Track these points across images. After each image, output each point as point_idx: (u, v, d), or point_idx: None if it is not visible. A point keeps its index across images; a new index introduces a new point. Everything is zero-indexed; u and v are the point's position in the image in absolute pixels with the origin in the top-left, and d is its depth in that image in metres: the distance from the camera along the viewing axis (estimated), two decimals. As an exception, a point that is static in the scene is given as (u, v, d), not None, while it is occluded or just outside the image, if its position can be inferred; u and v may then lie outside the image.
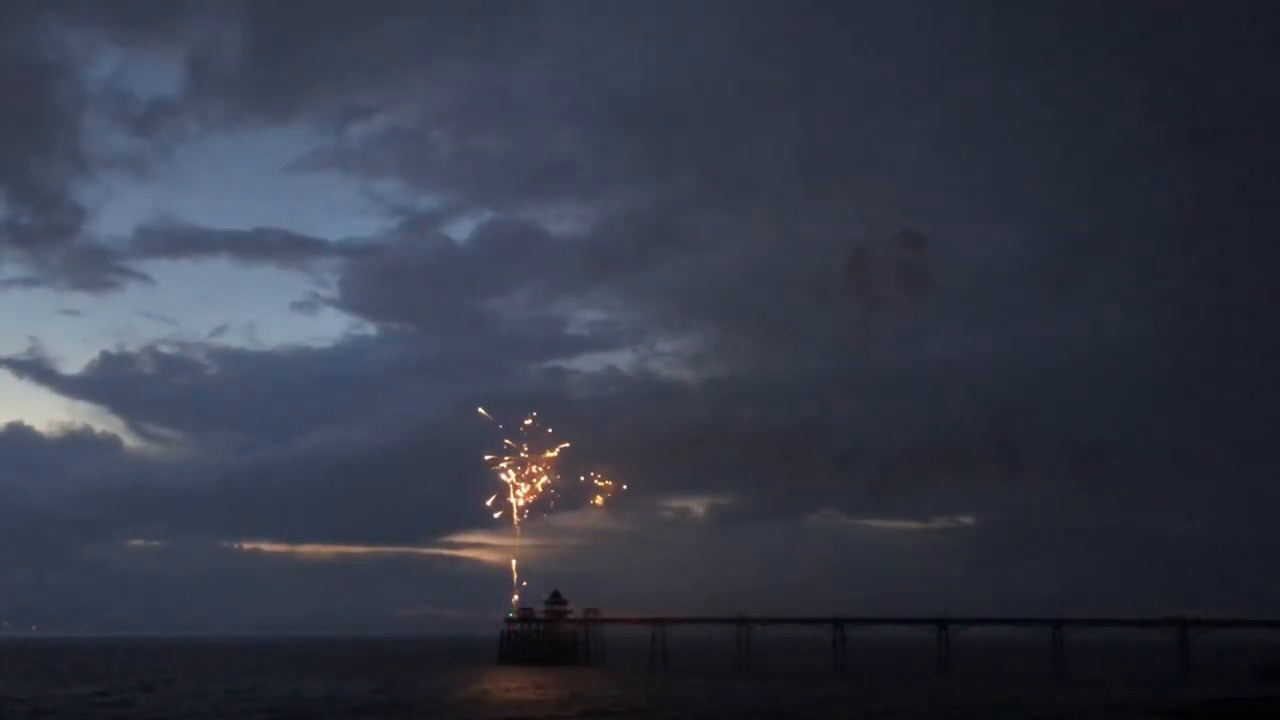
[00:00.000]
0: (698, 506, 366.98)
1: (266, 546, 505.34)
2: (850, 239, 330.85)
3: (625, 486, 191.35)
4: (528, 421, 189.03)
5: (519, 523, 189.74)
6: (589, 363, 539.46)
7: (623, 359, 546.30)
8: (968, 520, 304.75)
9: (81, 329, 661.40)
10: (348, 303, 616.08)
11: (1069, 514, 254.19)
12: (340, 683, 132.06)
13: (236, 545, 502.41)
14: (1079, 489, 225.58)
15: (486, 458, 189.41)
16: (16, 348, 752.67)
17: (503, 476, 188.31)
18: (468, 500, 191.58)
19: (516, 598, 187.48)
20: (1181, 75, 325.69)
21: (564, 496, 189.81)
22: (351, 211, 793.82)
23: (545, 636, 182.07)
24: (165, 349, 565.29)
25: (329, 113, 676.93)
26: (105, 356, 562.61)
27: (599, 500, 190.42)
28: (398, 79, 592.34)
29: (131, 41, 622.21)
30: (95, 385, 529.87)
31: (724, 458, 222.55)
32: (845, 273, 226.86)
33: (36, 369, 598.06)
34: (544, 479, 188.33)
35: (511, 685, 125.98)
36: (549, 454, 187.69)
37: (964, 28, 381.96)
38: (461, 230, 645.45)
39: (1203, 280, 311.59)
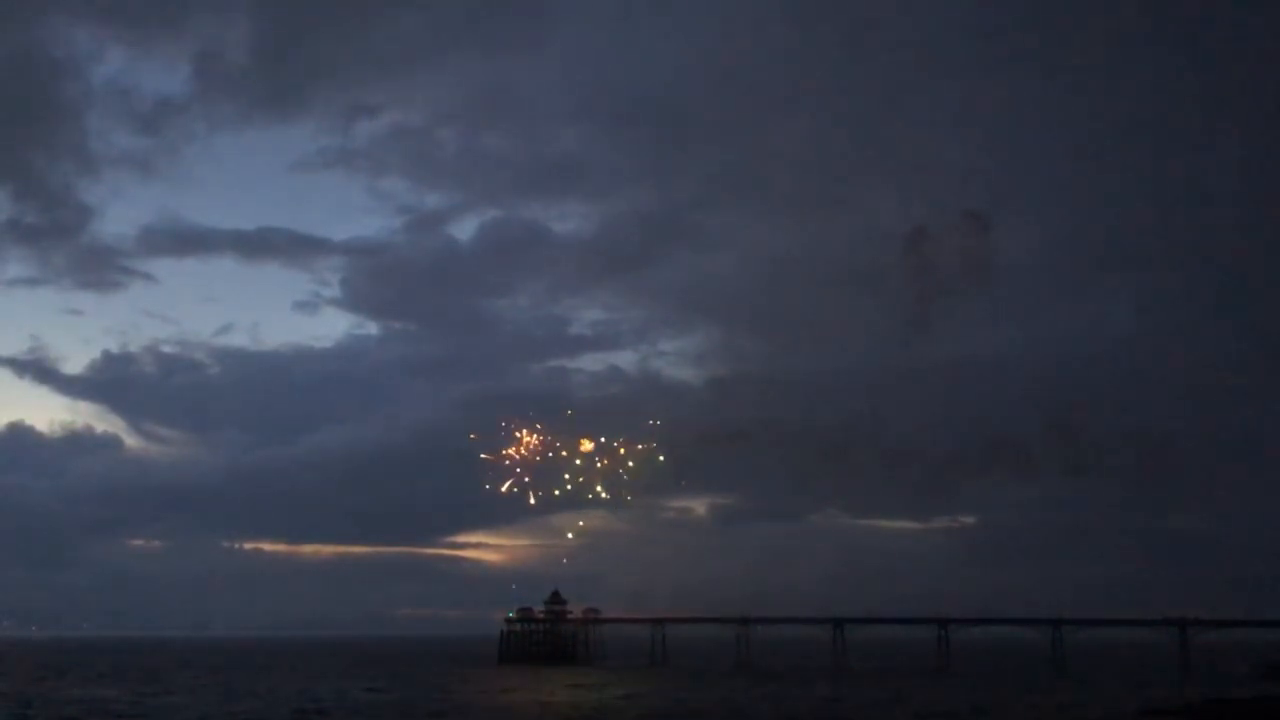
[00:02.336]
0: (699, 506, 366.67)
1: (268, 546, 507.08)
2: (879, 232, 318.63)
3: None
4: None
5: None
6: (592, 362, 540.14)
7: (625, 358, 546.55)
8: (969, 520, 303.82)
9: (84, 328, 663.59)
10: (349, 302, 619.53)
11: (1127, 514, 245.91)
12: (361, 684, 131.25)
13: (237, 545, 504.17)
14: (1141, 488, 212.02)
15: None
16: (18, 347, 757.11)
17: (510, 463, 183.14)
18: (469, 500, 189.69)
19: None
20: (1255, 50, 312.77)
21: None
22: (357, 210, 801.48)
23: (545, 636, 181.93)
24: (167, 348, 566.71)
25: (335, 111, 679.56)
26: (107, 356, 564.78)
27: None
28: (405, 77, 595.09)
29: (138, 40, 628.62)
30: (96, 385, 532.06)
31: (765, 454, 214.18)
32: (902, 257, 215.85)
33: (38, 368, 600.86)
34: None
35: (544, 686, 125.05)
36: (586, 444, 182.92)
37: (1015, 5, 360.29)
38: (466, 229, 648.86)
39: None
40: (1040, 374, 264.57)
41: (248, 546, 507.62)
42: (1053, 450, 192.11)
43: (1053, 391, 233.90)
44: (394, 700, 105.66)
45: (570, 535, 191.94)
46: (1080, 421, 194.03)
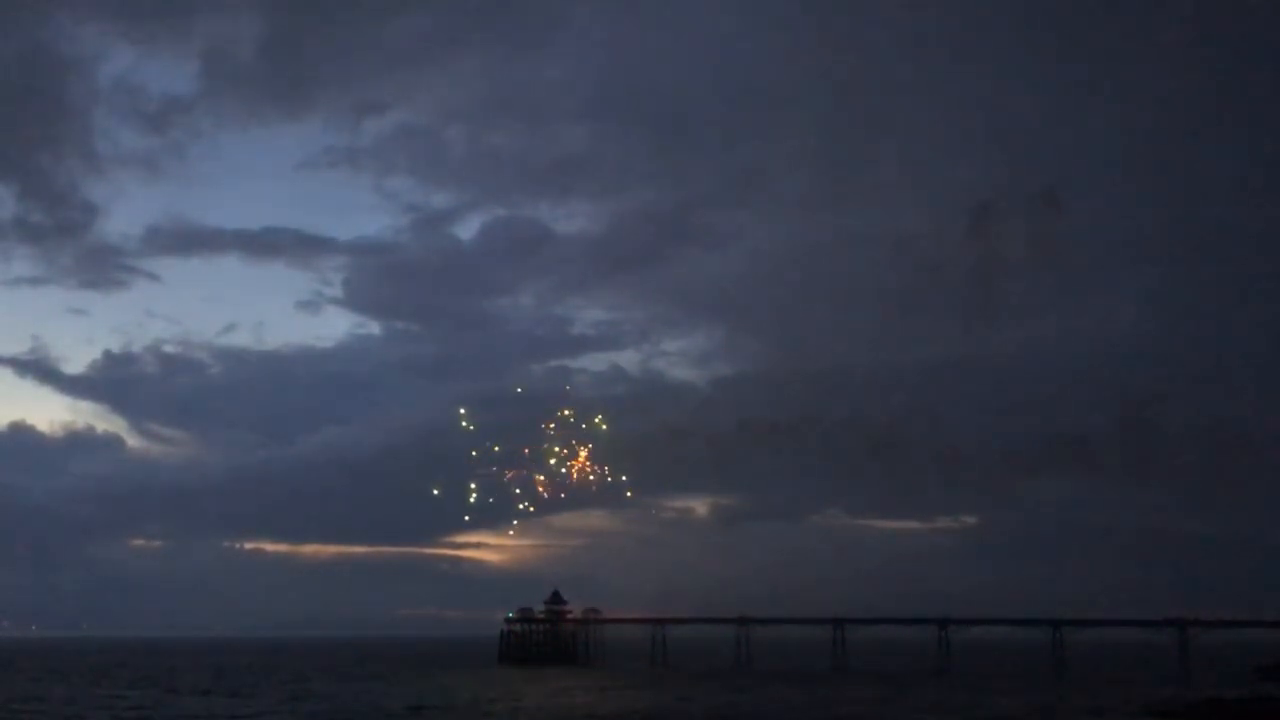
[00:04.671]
0: (700, 506, 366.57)
1: (268, 546, 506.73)
2: (891, 230, 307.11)
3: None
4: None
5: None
6: (594, 362, 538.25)
7: (627, 358, 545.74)
8: (971, 520, 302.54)
9: (87, 328, 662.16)
10: (352, 302, 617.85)
11: (1129, 514, 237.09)
12: (384, 686, 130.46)
13: (238, 545, 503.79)
14: (1211, 488, 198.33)
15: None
16: (19, 347, 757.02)
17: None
18: (470, 501, 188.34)
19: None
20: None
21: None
22: (363, 209, 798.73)
23: (545, 636, 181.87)
24: (168, 348, 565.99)
25: (343, 109, 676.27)
26: (108, 356, 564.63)
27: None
28: (412, 75, 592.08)
29: (145, 38, 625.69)
30: (98, 385, 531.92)
31: (809, 450, 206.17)
32: (965, 240, 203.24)
33: (39, 368, 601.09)
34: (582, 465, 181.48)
35: (570, 688, 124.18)
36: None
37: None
38: (471, 228, 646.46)
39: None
40: (1108, 367, 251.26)
41: (248, 546, 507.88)
42: (1120, 448, 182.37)
43: (1123, 385, 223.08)
44: (447, 704, 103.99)
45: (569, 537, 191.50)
46: (1153, 417, 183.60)
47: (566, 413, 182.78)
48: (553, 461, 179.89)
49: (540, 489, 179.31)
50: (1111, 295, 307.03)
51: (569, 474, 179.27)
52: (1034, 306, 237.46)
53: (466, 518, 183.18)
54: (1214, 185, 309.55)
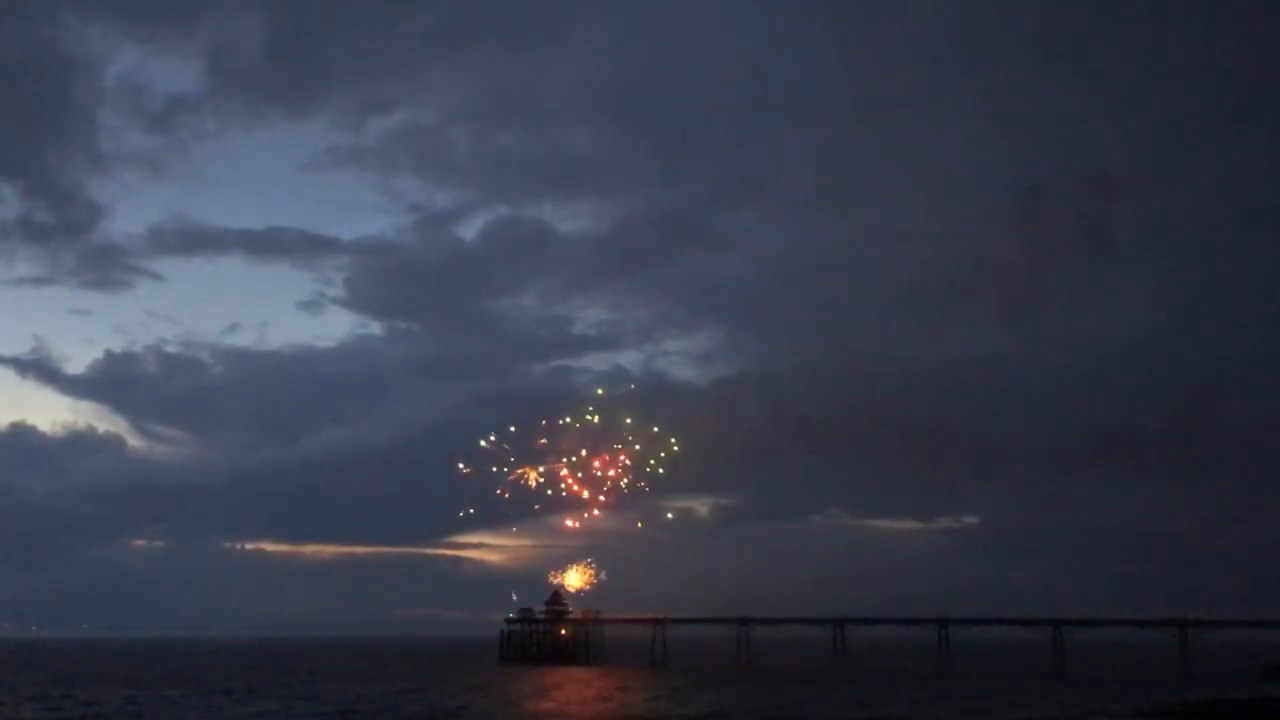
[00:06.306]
0: (701, 507, 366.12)
1: (269, 546, 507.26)
2: (893, 231, 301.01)
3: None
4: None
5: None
6: (596, 362, 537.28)
7: (629, 358, 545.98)
8: (971, 520, 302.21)
9: (89, 328, 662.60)
10: (353, 302, 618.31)
11: (1131, 515, 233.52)
12: (402, 686, 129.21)
13: (239, 545, 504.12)
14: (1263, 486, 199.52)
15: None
16: (21, 347, 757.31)
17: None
18: (471, 501, 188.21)
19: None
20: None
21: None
22: (367, 209, 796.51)
23: (545, 637, 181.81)
24: (170, 348, 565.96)
25: (347, 108, 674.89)
26: (109, 356, 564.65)
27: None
28: (417, 75, 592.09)
29: (150, 37, 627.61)
30: (99, 385, 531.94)
31: (853, 445, 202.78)
32: (1016, 227, 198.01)
33: (40, 368, 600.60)
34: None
35: (586, 689, 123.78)
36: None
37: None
38: (473, 228, 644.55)
39: None
40: (1159, 360, 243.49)
41: (249, 546, 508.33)
42: (1175, 447, 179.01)
43: (1174, 380, 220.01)
44: (476, 706, 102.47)
45: (570, 534, 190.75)
46: (1212, 412, 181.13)
47: (590, 414, 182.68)
48: (574, 460, 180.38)
49: (566, 488, 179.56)
50: (1161, 286, 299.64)
51: (600, 473, 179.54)
52: (1081, 297, 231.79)
53: (514, 528, 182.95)
54: (1270, 173, 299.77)
